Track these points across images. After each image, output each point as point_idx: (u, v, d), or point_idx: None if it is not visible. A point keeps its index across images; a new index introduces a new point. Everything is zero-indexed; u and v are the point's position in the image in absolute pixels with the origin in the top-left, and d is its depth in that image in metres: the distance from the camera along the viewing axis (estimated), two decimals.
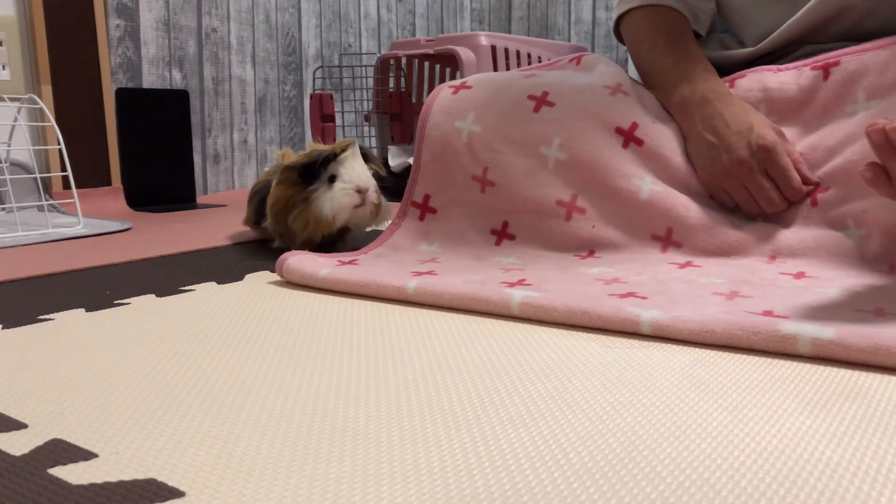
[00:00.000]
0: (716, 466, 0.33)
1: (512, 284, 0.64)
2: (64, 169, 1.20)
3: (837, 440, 0.35)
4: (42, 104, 1.18)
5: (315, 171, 0.84)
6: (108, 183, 1.51)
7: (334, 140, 1.53)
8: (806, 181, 0.74)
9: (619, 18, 0.95)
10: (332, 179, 0.83)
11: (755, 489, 0.31)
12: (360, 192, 0.83)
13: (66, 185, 1.27)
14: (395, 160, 1.57)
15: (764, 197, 0.74)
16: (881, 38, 0.77)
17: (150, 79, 1.58)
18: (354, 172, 0.84)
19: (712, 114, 0.78)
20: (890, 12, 0.81)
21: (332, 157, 0.83)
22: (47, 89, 1.39)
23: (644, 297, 0.58)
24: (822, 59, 0.80)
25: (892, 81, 0.73)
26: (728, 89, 0.81)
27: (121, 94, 1.52)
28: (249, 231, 1.12)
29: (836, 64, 0.79)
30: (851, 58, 0.78)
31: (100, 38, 1.48)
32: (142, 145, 1.55)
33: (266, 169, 1.02)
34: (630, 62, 0.98)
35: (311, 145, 0.88)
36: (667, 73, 0.85)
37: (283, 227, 0.87)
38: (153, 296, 0.70)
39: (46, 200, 1.30)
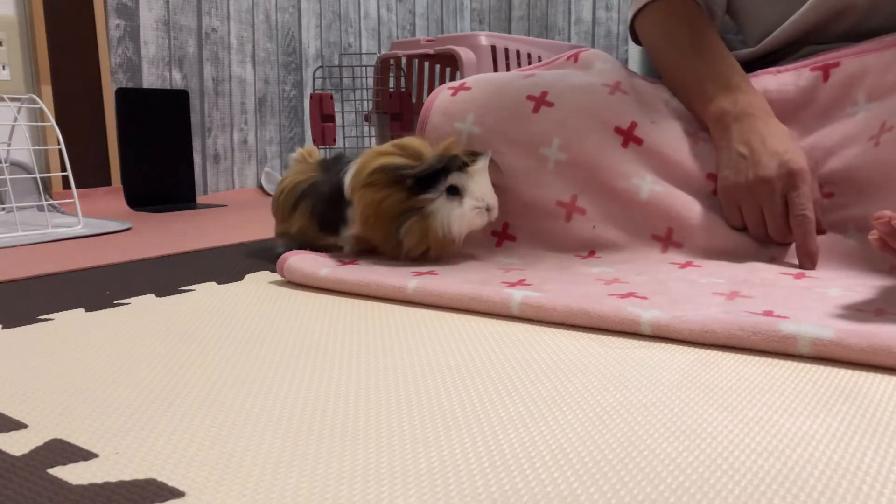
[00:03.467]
0: (716, 466, 0.33)
1: (512, 284, 0.64)
2: (64, 169, 1.20)
3: (837, 440, 0.35)
4: (42, 104, 1.19)
5: (431, 178, 0.73)
6: (108, 183, 1.51)
7: (334, 141, 1.53)
8: (818, 225, 0.70)
9: (634, 17, 0.92)
10: (454, 191, 0.73)
11: (755, 489, 0.31)
12: (489, 210, 0.75)
13: (66, 185, 1.27)
14: None
15: (776, 219, 0.71)
16: (882, 38, 0.77)
17: (150, 79, 1.58)
18: (487, 189, 0.75)
19: (750, 128, 0.75)
20: (893, 7, 0.80)
21: (460, 167, 0.73)
22: (47, 89, 1.39)
23: (644, 297, 0.58)
24: (821, 59, 0.80)
25: (893, 83, 0.73)
26: (769, 107, 0.78)
27: (121, 94, 1.52)
28: (250, 232, 1.12)
29: (836, 65, 0.78)
30: (851, 59, 0.78)
31: (100, 38, 1.48)
32: (142, 145, 1.56)
33: (292, 169, 0.87)
34: (629, 59, 0.97)
35: (407, 142, 0.77)
36: (701, 84, 0.81)
37: (380, 234, 0.76)
38: (153, 296, 0.70)
39: (46, 200, 1.30)
